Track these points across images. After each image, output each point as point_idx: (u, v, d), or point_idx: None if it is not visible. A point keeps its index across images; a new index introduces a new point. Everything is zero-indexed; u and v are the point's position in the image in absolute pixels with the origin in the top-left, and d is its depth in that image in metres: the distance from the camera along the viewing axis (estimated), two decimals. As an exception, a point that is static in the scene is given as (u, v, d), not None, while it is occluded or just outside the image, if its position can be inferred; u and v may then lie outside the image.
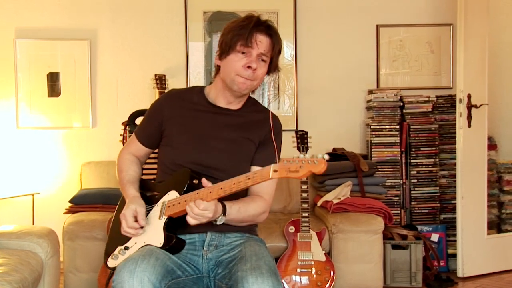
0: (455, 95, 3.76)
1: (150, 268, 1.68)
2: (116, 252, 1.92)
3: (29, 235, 2.60)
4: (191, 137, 1.97)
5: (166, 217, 1.85)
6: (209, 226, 1.87)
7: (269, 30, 1.92)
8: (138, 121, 3.31)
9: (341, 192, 3.51)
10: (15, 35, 3.97)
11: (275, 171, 1.60)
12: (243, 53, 1.90)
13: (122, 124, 3.42)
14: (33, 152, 3.97)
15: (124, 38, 4.09)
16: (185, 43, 4.10)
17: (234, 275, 1.76)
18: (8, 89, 3.97)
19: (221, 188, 1.72)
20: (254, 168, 1.96)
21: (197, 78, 4.11)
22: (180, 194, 1.86)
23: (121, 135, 3.40)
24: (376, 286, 3.31)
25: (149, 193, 2.02)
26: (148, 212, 1.94)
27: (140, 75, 4.07)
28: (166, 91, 3.76)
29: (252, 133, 2.01)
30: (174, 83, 3.96)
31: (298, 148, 3.25)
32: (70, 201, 3.50)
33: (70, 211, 3.46)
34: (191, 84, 4.08)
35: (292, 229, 3.24)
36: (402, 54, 4.20)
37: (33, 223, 3.80)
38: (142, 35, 4.09)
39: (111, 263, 1.92)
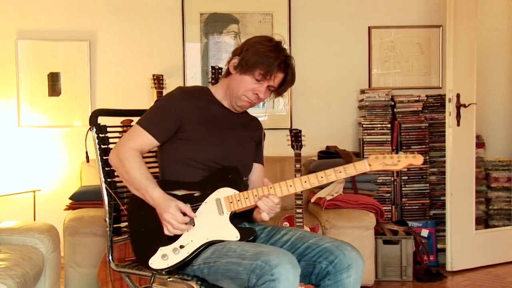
0: (445, 95, 3.80)
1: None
2: (167, 252, 1.85)
3: (30, 231, 2.62)
4: (211, 132, 2.01)
5: (230, 213, 1.88)
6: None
7: (288, 69, 2.00)
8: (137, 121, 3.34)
9: (334, 189, 3.54)
10: (17, 36, 3.98)
11: (370, 164, 1.81)
12: (257, 80, 1.97)
13: (121, 122, 3.45)
14: (34, 150, 3.99)
15: (123, 39, 4.11)
16: (182, 44, 4.12)
17: (316, 248, 1.83)
18: (10, 88, 3.98)
19: (305, 182, 1.85)
20: (255, 164, 2.13)
21: (194, 78, 4.13)
22: (240, 191, 1.90)
23: (120, 133, 3.42)
24: (367, 280, 3.35)
25: (181, 192, 1.94)
26: (194, 209, 1.91)
27: (139, 75, 4.09)
28: (163, 90, 3.83)
29: (252, 133, 2.15)
30: (172, 83, 3.99)
31: (292, 146, 3.26)
32: (70, 198, 3.51)
33: (70, 207, 3.48)
34: (188, 84, 4.10)
35: (286, 224, 3.27)
36: (393, 55, 4.23)
37: (34, 219, 3.80)
38: (140, 36, 4.12)
39: (161, 264, 1.84)
